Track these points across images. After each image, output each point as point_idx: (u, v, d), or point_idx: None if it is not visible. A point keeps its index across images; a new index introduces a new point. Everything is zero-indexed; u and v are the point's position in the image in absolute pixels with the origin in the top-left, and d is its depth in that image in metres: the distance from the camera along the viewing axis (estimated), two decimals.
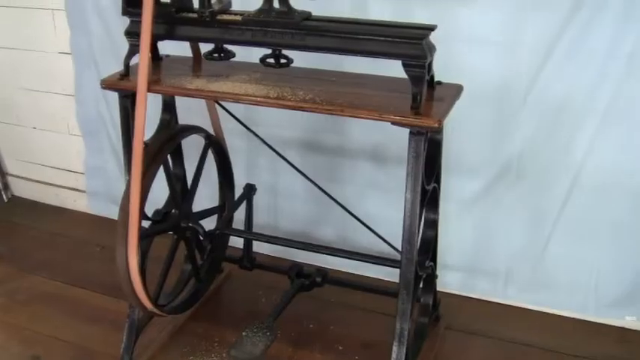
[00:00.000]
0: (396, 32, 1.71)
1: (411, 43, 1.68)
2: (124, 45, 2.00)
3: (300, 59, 1.91)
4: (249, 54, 1.97)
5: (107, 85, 2.02)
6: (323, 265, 2.62)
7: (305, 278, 2.42)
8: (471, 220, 2.63)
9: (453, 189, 2.51)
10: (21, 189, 3.70)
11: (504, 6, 2.23)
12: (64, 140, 3.40)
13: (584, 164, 2.36)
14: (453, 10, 2.27)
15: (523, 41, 2.26)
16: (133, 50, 1.96)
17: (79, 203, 3.52)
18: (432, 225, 2.19)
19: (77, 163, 3.43)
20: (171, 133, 2.23)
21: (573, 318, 2.60)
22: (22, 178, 3.66)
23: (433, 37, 1.72)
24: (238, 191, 2.62)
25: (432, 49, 1.72)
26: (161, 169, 2.11)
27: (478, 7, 2.26)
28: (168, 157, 2.24)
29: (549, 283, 2.60)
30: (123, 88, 2.01)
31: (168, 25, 1.94)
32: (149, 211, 2.18)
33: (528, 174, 2.47)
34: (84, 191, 3.47)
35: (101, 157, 3.30)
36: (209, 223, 2.48)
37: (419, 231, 1.88)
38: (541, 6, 2.19)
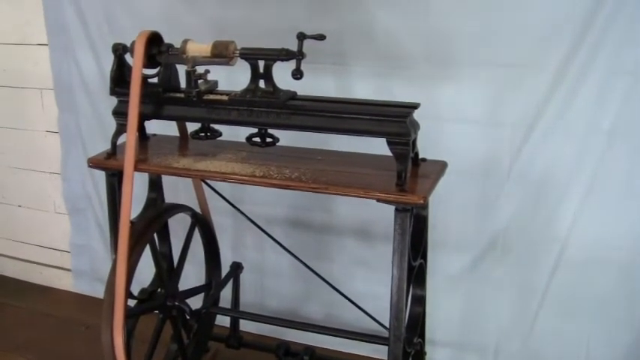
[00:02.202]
0: (380, 111, 1.74)
1: (395, 121, 1.71)
2: (112, 124, 2.02)
3: (286, 137, 1.93)
4: (235, 133, 1.99)
5: (94, 163, 2.03)
6: (310, 343, 2.58)
7: (292, 357, 2.39)
8: (458, 295, 2.62)
9: (440, 265, 2.51)
10: (5, 267, 3.65)
11: (485, 83, 2.29)
12: (50, 218, 3.40)
13: (570, 238, 2.38)
14: (435, 89, 2.32)
15: (505, 118, 2.31)
16: (120, 129, 1.97)
17: (64, 282, 3.49)
18: (420, 301, 2.18)
19: (62, 242, 3.41)
20: (157, 212, 2.23)
21: None
22: (5, 256, 3.63)
23: (417, 114, 1.75)
24: (225, 269, 2.61)
25: (415, 126, 1.76)
26: (147, 248, 2.11)
27: (460, 85, 2.31)
28: (155, 235, 2.24)
29: (539, 359, 2.57)
30: (110, 167, 2.01)
31: (156, 104, 1.97)
32: (135, 289, 2.17)
33: (514, 249, 2.48)
34: (69, 270, 3.45)
35: (87, 236, 3.29)
36: (195, 302, 2.46)
37: (406, 307, 1.87)
38: (521, 83, 2.25)
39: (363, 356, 2.68)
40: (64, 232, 3.37)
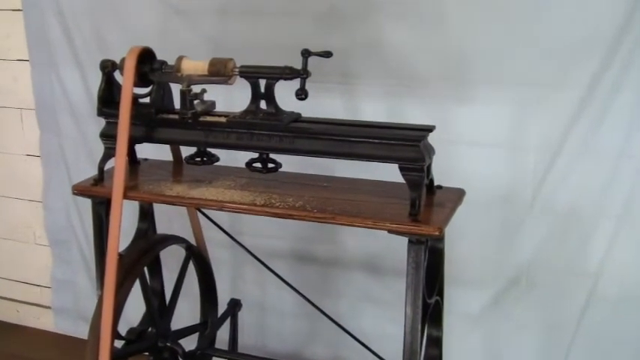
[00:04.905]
0: (392, 134, 1.75)
1: (407, 145, 1.72)
2: (98, 147, 2.03)
3: (289, 163, 1.95)
4: (234, 158, 2.00)
5: (79, 190, 2.04)
6: None
7: None
8: (478, 336, 2.63)
9: (458, 302, 2.51)
10: None
11: (506, 104, 2.31)
12: (29, 250, 3.41)
13: (602, 273, 2.38)
14: (451, 110, 2.34)
15: (527, 142, 2.32)
16: (109, 153, 1.98)
17: (43, 321, 3.49)
18: (436, 342, 2.18)
19: (42, 276, 3.42)
20: (148, 244, 2.25)
21: None
22: None
23: (431, 138, 1.77)
24: (222, 307, 2.62)
25: (430, 151, 1.76)
26: (137, 283, 2.12)
27: (478, 106, 2.33)
28: (145, 269, 2.25)
29: None
30: (97, 194, 2.02)
31: (147, 126, 1.98)
32: (122, 329, 2.18)
33: (540, 284, 2.48)
34: (49, 307, 3.45)
35: (70, 270, 3.30)
36: (189, 343, 2.46)
37: (421, 349, 1.87)
38: (545, 104, 2.27)
39: None
40: (44, 265, 3.38)
